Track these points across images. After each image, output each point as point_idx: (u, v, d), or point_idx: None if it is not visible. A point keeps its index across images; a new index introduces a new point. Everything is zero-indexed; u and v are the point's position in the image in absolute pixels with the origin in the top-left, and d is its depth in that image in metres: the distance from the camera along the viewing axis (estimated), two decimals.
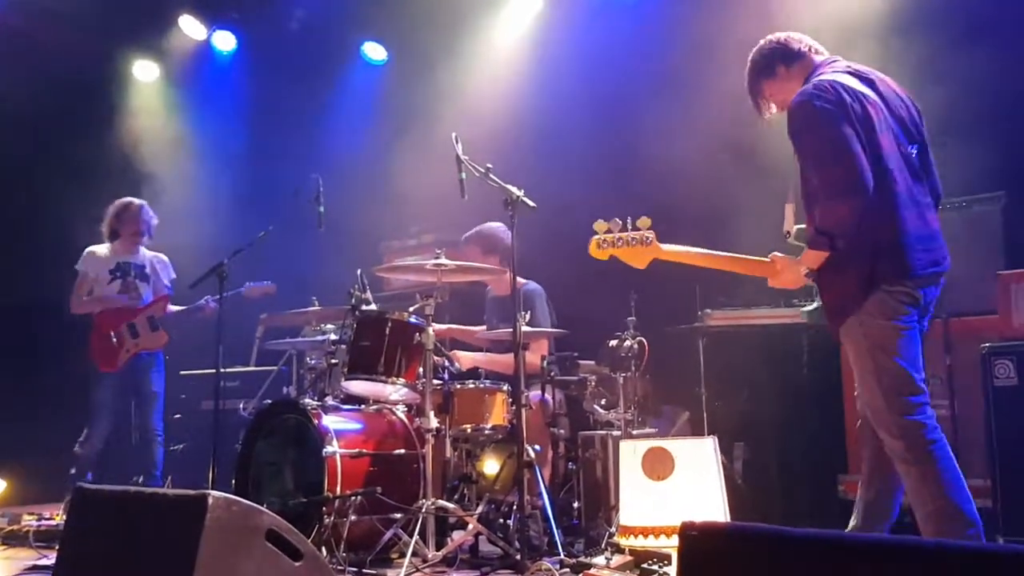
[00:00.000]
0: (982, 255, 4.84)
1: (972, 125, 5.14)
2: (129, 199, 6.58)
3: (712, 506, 2.96)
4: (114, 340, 6.26)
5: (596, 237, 3.73)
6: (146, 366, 6.37)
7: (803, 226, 3.63)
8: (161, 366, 6.47)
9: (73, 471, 6.12)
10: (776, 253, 3.58)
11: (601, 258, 3.74)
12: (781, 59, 3.71)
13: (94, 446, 6.22)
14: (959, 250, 4.86)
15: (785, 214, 3.75)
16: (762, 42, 3.79)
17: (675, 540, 2.43)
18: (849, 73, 3.53)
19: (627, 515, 3.07)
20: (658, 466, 3.04)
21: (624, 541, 3.07)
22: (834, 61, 3.64)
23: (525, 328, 4.66)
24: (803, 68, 3.65)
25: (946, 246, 3.53)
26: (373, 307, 5.12)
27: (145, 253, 6.57)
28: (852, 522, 3.54)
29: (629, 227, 3.71)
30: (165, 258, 6.67)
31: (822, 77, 3.49)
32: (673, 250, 3.70)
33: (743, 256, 3.67)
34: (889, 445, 3.31)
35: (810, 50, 3.70)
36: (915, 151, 3.53)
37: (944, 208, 5.00)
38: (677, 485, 2.99)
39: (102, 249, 6.48)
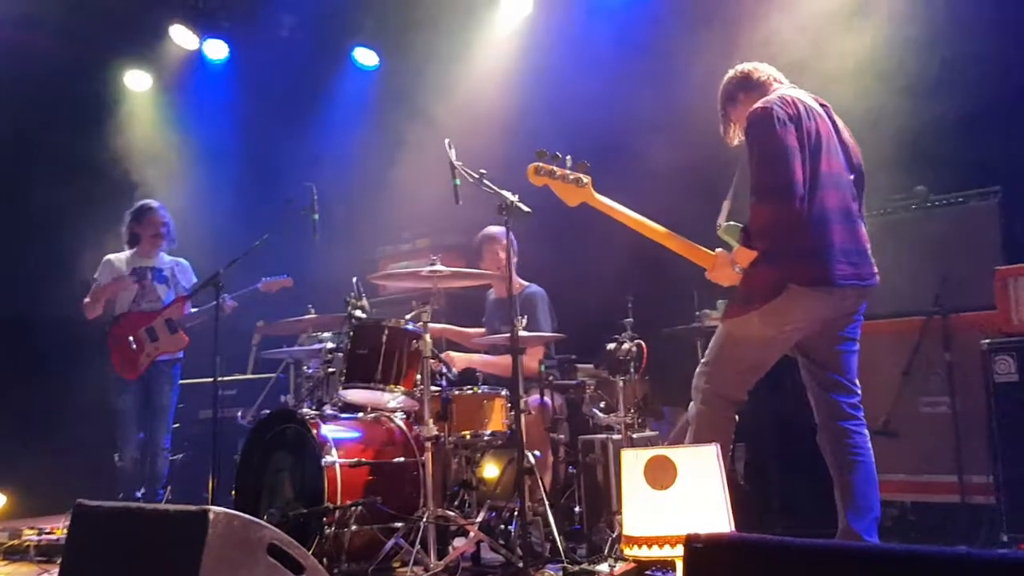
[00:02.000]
0: (980, 251, 4.84)
1: (968, 120, 5.15)
2: (146, 201, 6.54)
3: (716, 514, 2.94)
4: (133, 346, 6.17)
5: (535, 163, 4.02)
6: (164, 378, 6.26)
7: (734, 223, 3.80)
8: (176, 377, 6.37)
9: (120, 488, 6.06)
10: (720, 250, 3.81)
11: (537, 183, 4.06)
12: (742, 88, 3.97)
13: (131, 456, 6.12)
14: (956, 246, 4.91)
15: (722, 208, 3.91)
16: (729, 73, 4.06)
17: (680, 550, 2.42)
18: (809, 96, 3.82)
19: (630, 525, 3.06)
20: (660, 475, 3.02)
21: (628, 551, 3.05)
22: (793, 86, 3.90)
23: (521, 332, 4.64)
24: (761, 95, 3.86)
25: (874, 264, 3.76)
26: (369, 315, 5.11)
27: (164, 258, 6.50)
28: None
29: (569, 165, 4.01)
30: (185, 262, 6.59)
31: (785, 92, 3.76)
32: (605, 202, 4.00)
33: (685, 239, 3.89)
34: (691, 407, 3.81)
35: (769, 79, 3.95)
36: (853, 177, 3.82)
37: (940, 204, 5.04)
38: (680, 494, 2.98)
39: (120, 256, 6.42)
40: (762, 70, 3.98)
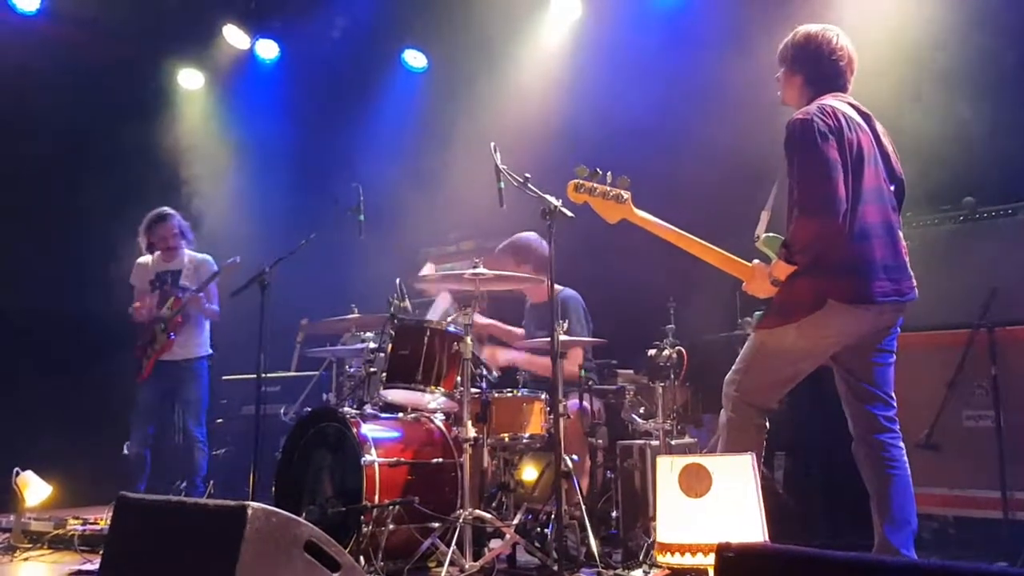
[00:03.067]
0: None
1: (1018, 130, 5.07)
2: (159, 210, 6.62)
3: (750, 523, 2.93)
4: (140, 349, 6.43)
5: (575, 180, 3.96)
6: (185, 375, 6.43)
7: (773, 235, 3.75)
8: (200, 373, 6.50)
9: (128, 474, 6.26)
10: (757, 261, 3.76)
11: (576, 201, 4.00)
12: (812, 76, 3.81)
13: (134, 448, 6.33)
14: (1005, 258, 4.83)
15: (760, 219, 3.84)
16: (823, 39, 3.82)
17: (712, 558, 2.42)
18: (850, 105, 3.71)
19: (664, 532, 3.06)
20: (695, 483, 3.02)
21: (661, 558, 3.05)
22: (836, 96, 3.74)
23: (563, 337, 4.65)
24: (816, 93, 3.76)
25: (913, 277, 3.68)
26: (412, 316, 5.15)
27: (185, 256, 6.60)
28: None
29: (608, 181, 3.94)
30: (207, 257, 6.67)
31: (825, 102, 3.65)
32: (645, 217, 3.93)
33: (723, 251, 3.83)
34: (722, 415, 3.77)
35: (840, 86, 3.78)
36: (894, 187, 3.75)
37: (989, 216, 4.97)
38: (715, 502, 2.97)
39: (147, 260, 6.59)
40: (844, 70, 3.79)
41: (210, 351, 6.57)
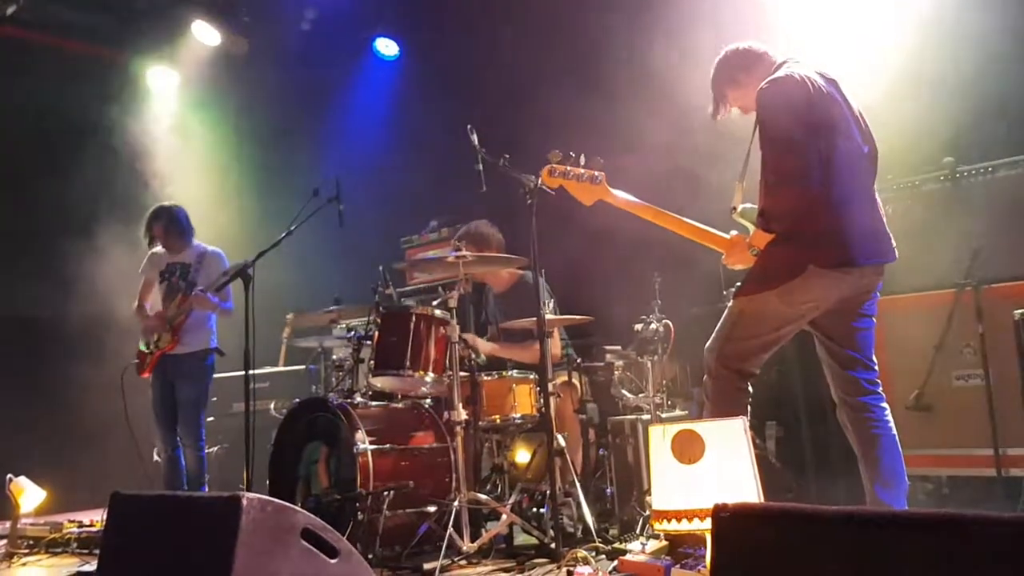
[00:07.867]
0: (1010, 221, 4.78)
1: (998, 89, 5.08)
2: (158, 207, 6.41)
3: (745, 487, 2.94)
4: (143, 346, 6.22)
5: (549, 165, 3.97)
6: (184, 368, 6.17)
7: (749, 205, 3.75)
8: (201, 369, 6.22)
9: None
10: (735, 233, 3.77)
11: (552, 185, 4.02)
12: (741, 69, 3.86)
13: (163, 452, 6.14)
14: (987, 217, 4.85)
15: (735, 190, 3.84)
16: (724, 52, 3.93)
17: (709, 523, 2.43)
18: (816, 72, 3.71)
19: (659, 500, 3.06)
20: (688, 449, 3.02)
21: (658, 526, 3.05)
22: (796, 61, 3.76)
23: (549, 316, 4.65)
24: (764, 70, 3.78)
25: (892, 238, 3.69)
26: (397, 302, 5.14)
27: (195, 250, 6.37)
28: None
29: (582, 163, 3.93)
30: (218, 251, 6.39)
31: (793, 70, 3.65)
32: (621, 197, 3.94)
33: (700, 225, 3.85)
34: (704, 382, 3.78)
35: (766, 53, 3.84)
36: (867, 151, 3.73)
37: (969, 175, 4.99)
38: (708, 467, 2.98)
39: (161, 249, 6.39)
40: (757, 45, 3.87)
41: (215, 344, 6.29)
